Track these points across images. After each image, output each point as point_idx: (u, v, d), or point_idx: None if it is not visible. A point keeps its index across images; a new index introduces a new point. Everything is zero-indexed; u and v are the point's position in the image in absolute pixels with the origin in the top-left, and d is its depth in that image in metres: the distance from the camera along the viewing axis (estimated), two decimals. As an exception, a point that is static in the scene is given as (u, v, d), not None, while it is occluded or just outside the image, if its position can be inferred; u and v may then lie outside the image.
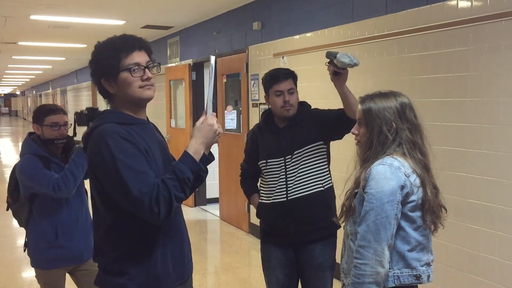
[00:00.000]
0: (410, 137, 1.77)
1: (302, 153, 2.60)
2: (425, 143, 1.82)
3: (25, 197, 2.68)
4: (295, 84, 2.69)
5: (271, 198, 2.65)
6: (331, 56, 2.37)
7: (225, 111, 6.40)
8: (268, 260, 2.73)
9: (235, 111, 6.43)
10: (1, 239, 5.88)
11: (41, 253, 2.70)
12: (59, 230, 2.65)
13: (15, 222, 7.04)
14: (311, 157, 2.62)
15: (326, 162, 2.67)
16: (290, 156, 2.60)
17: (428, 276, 1.78)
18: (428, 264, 1.79)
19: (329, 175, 2.68)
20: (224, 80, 6.48)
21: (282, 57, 5.05)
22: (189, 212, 7.06)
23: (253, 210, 5.76)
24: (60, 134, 2.67)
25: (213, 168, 7.11)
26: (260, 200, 2.74)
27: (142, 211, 1.60)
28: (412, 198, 1.73)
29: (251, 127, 5.78)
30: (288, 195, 2.60)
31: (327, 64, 2.42)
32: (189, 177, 1.65)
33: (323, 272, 2.65)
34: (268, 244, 2.74)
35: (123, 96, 1.74)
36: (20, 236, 6.02)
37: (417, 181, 1.74)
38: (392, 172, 1.70)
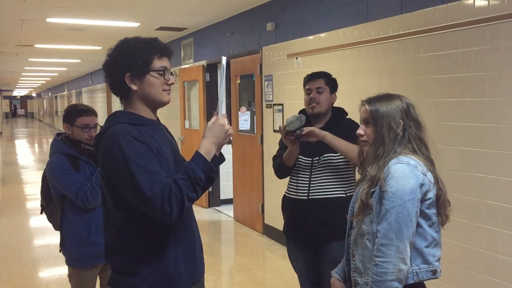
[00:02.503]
0: (417, 133, 1.83)
1: (330, 157, 2.69)
2: (428, 139, 1.87)
3: (56, 197, 2.72)
4: (329, 85, 2.79)
5: (293, 194, 2.78)
6: (283, 130, 2.60)
7: (239, 112, 6.41)
8: (291, 253, 2.90)
9: (249, 112, 6.44)
10: (18, 239, 5.94)
11: (75, 251, 2.72)
12: (92, 227, 2.66)
13: (32, 223, 7.17)
14: (339, 163, 2.71)
15: (352, 171, 2.76)
16: (318, 158, 2.70)
17: (440, 271, 1.83)
18: (439, 259, 1.83)
19: (353, 184, 2.73)
20: (238, 81, 6.49)
21: (296, 58, 5.04)
22: (203, 213, 7.08)
23: (267, 211, 5.81)
24: (89, 135, 2.69)
25: (227, 169, 7.13)
26: (284, 193, 2.87)
27: (154, 211, 1.60)
28: (429, 195, 1.77)
29: (265, 127, 5.83)
30: (310, 194, 2.70)
31: (290, 138, 2.58)
32: (201, 177, 1.65)
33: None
34: (289, 239, 2.89)
35: (143, 95, 1.75)
36: (37, 236, 6.10)
37: (433, 179, 1.79)
38: (410, 170, 1.74)
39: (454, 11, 3.26)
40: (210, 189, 7.16)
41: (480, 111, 3.11)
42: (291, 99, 5.18)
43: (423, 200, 1.75)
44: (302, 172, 2.74)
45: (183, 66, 8.07)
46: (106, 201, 1.76)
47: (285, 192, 2.86)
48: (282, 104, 5.36)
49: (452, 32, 3.27)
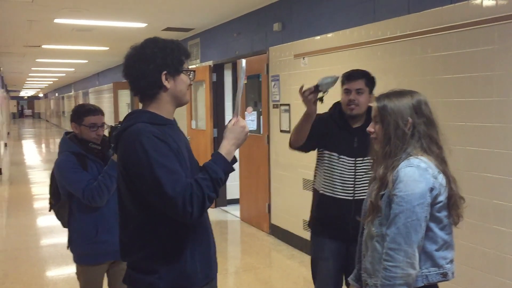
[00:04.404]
0: (426, 131, 1.78)
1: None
2: (441, 137, 1.83)
3: (64, 195, 2.74)
4: (369, 86, 2.72)
5: (336, 193, 2.71)
6: (314, 88, 2.53)
7: (245, 112, 6.42)
8: (321, 251, 2.79)
9: (255, 112, 6.45)
10: (26, 238, 5.98)
11: (83, 248, 2.75)
12: (99, 225, 2.69)
13: (39, 222, 7.20)
14: None
15: None
16: (362, 159, 2.67)
17: (453, 273, 1.80)
18: (452, 261, 1.81)
19: None
20: (245, 81, 6.49)
21: (303, 58, 5.04)
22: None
23: (274, 211, 5.81)
24: (97, 134, 2.74)
25: (233, 169, 7.13)
26: (322, 192, 2.77)
27: (175, 211, 1.61)
28: (440, 199, 1.73)
29: (271, 128, 5.84)
30: (355, 195, 2.67)
31: (308, 95, 2.54)
32: (222, 178, 1.67)
33: None
34: (322, 236, 2.80)
35: (174, 94, 1.78)
36: (44, 235, 6.14)
37: (444, 181, 1.75)
38: (420, 174, 1.71)
39: (462, 11, 3.25)
40: (217, 189, 7.17)
41: (488, 111, 3.10)
42: (298, 99, 5.15)
43: (433, 204, 1.72)
44: (346, 172, 2.69)
45: (190, 67, 8.07)
46: (123, 199, 1.77)
47: (323, 189, 2.76)
48: (289, 104, 5.36)
49: (459, 32, 3.26)
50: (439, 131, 1.83)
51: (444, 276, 1.77)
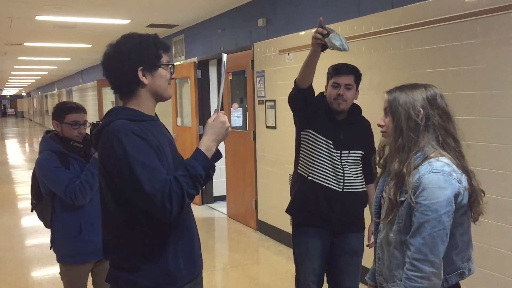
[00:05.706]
0: (441, 123, 1.70)
1: (357, 154, 2.73)
2: (458, 131, 1.75)
3: (46, 195, 2.71)
4: (356, 83, 2.72)
5: (329, 183, 2.68)
6: (326, 30, 2.40)
7: (231, 109, 6.41)
8: (307, 252, 2.77)
9: (241, 108, 6.44)
10: (11, 238, 5.91)
11: (66, 248, 2.71)
12: (82, 223, 2.66)
13: (24, 222, 7.11)
14: (360, 159, 2.75)
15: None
16: (347, 152, 2.69)
17: (469, 270, 1.75)
18: (468, 259, 1.76)
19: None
20: (230, 78, 6.48)
21: (288, 54, 5.04)
22: (196, 210, 7.07)
23: (260, 207, 5.82)
24: (79, 132, 2.70)
25: (220, 166, 7.12)
26: (311, 178, 2.71)
27: (154, 208, 1.60)
28: (463, 203, 1.66)
29: (257, 124, 5.83)
30: (344, 187, 2.68)
31: (317, 33, 2.41)
32: (201, 174, 1.66)
33: (357, 257, 2.80)
34: (306, 226, 2.77)
35: (153, 90, 1.76)
36: (29, 235, 6.07)
37: (466, 182, 1.67)
38: (445, 180, 1.62)
39: (445, 5, 3.27)
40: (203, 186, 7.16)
41: (471, 104, 3.13)
42: (283, 94, 5.18)
43: (457, 209, 1.64)
44: (336, 164, 2.67)
45: (175, 63, 8.02)
46: (105, 198, 1.76)
47: (312, 176, 2.70)
48: (274, 100, 5.35)
49: (443, 26, 3.28)
50: (456, 126, 1.75)
51: (461, 276, 1.73)
